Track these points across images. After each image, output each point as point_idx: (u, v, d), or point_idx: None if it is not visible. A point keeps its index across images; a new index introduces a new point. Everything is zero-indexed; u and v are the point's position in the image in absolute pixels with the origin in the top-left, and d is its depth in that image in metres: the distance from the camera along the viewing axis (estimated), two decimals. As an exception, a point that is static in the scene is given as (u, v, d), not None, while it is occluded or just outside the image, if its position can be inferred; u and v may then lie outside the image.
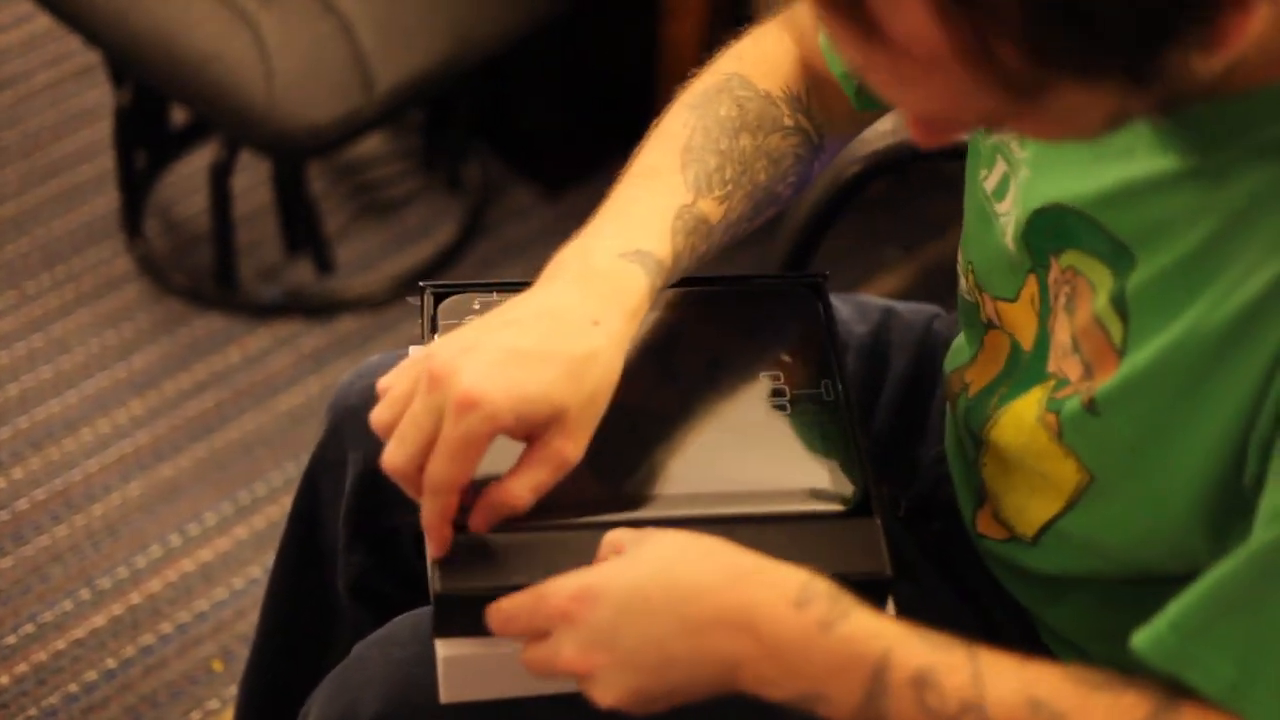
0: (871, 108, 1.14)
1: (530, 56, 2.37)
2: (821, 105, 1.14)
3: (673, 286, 1.09)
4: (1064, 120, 0.83)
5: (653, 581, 0.92)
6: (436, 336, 1.06)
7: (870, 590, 0.93)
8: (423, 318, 1.10)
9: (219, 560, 2.02)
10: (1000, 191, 1.03)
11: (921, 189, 2.39)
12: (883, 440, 1.25)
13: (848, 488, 1.00)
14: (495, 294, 1.11)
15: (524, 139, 2.52)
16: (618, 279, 0.99)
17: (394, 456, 0.94)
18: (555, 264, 1.01)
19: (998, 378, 1.07)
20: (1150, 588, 0.92)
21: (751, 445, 1.02)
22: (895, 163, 1.36)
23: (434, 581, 0.97)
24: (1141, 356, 0.91)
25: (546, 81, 2.44)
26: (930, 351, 1.27)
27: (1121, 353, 0.93)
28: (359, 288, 2.35)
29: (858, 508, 0.99)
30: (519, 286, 1.08)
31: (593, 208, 1.06)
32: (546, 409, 0.94)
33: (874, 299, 1.33)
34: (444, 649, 0.98)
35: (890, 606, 0.98)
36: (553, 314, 0.97)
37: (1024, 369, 1.03)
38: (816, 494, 0.99)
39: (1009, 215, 1.02)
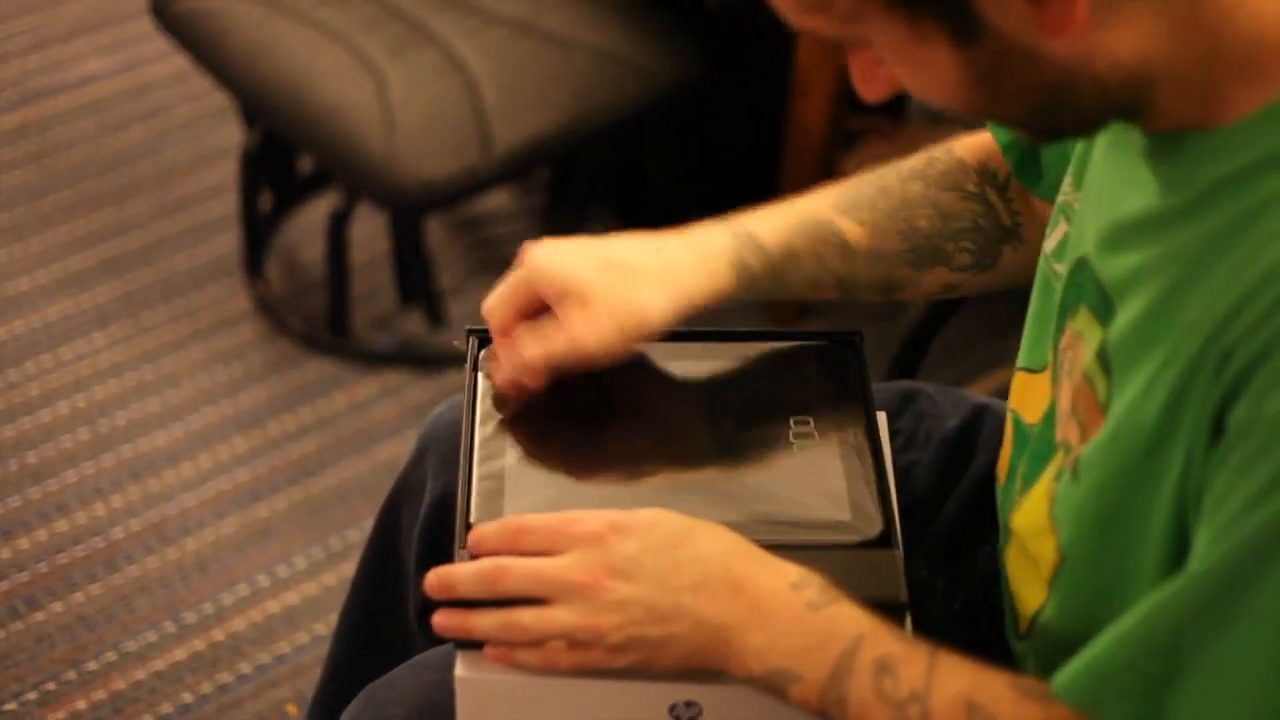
0: (1028, 182, 1.16)
1: (660, 125, 2.37)
2: (1020, 194, 1.16)
3: (716, 339, 1.16)
4: (909, 64, 0.85)
5: (681, 534, 0.98)
6: (480, 376, 1.13)
7: (887, 615, 0.98)
8: (467, 359, 1.15)
9: (304, 604, 2.03)
10: (1059, 252, 1.02)
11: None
12: (949, 534, 1.24)
13: (870, 523, 1.04)
14: None
15: (647, 206, 2.52)
16: (704, 234, 1.13)
17: (486, 301, 1.13)
18: None
19: (1011, 459, 1.06)
20: None
21: (780, 482, 1.07)
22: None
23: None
24: (1112, 416, 0.89)
25: (674, 151, 2.44)
26: None
27: (1105, 410, 0.90)
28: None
29: (879, 541, 1.03)
30: None
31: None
32: (574, 286, 1.08)
33: (972, 395, 1.32)
34: (462, 669, 1.01)
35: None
36: (635, 240, 1.13)
37: (1033, 442, 1.02)
38: (840, 526, 1.04)
39: (1061, 277, 1.01)
